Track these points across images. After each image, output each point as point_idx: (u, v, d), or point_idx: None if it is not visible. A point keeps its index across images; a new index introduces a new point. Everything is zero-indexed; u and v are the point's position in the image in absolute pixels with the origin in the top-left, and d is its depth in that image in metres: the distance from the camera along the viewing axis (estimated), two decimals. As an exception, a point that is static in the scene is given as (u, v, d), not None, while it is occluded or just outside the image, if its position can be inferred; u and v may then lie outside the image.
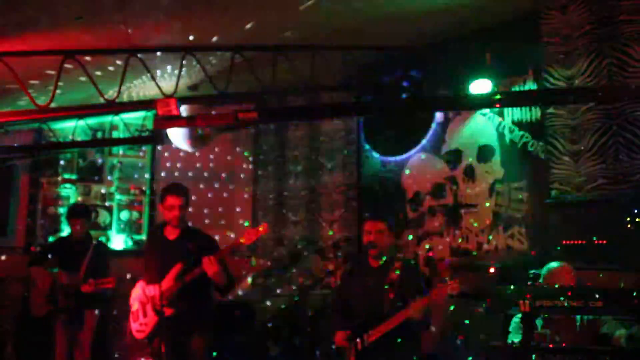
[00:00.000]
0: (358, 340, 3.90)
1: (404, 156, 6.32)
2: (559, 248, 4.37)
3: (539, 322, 3.67)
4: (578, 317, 3.61)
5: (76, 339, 5.42)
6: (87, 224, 5.66)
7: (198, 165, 8.19)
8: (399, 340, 3.93)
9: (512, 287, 2.81)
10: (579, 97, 4.10)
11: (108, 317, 7.09)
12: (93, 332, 5.51)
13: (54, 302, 5.28)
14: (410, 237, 6.08)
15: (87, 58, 4.62)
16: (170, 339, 4.14)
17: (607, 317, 3.56)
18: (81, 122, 6.99)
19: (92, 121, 7.40)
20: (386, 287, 3.99)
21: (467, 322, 4.61)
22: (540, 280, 3.77)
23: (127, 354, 7.14)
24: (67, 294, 5.24)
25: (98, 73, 4.91)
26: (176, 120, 4.00)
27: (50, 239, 7.36)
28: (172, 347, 4.16)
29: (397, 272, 4.03)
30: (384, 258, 4.14)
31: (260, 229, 4.24)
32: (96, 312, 5.55)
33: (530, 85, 5.12)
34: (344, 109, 4.62)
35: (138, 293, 4.38)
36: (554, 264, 3.78)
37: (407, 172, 6.29)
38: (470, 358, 4.42)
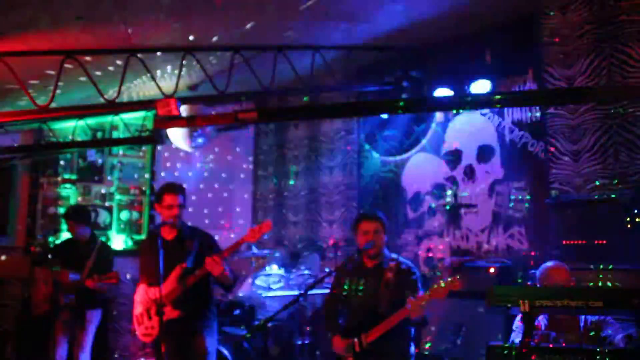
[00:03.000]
0: (356, 340, 3.90)
1: (404, 156, 6.32)
2: (558, 248, 4.36)
3: (542, 323, 3.67)
4: (581, 318, 3.62)
5: (77, 339, 5.43)
6: (87, 225, 5.64)
7: (198, 165, 8.20)
8: (398, 339, 3.93)
9: (512, 287, 2.81)
10: (579, 97, 4.09)
11: (108, 317, 7.11)
12: (94, 332, 5.52)
13: (55, 301, 5.28)
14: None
15: (87, 58, 4.61)
16: (173, 340, 4.14)
17: (609, 320, 3.56)
18: (81, 122, 6.99)
19: (92, 121, 7.40)
20: (382, 286, 3.99)
21: (467, 322, 4.61)
22: (537, 281, 3.77)
23: (127, 354, 7.16)
24: (69, 292, 5.26)
25: (98, 73, 4.91)
26: (176, 120, 3.99)
27: (51, 239, 7.36)
28: (175, 347, 4.16)
29: (392, 272, 4.02)
30: (379, 258, 4.13)
31: (264, 226, 4.24)
32: (98, 312, 5.55)
33: (530, 85, 5.12)
34: (344, 109, 4.61)
35: (141, 295, 4.36)
36: (548, 264, 3.78)
37: (407, 172, 6.29)
38: (470, 358, 4.42)
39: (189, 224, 4.52)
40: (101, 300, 5.59)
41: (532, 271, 4.40)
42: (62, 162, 7.67)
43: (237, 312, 6.03)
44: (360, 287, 4.10)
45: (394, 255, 4.19)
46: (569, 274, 3.72)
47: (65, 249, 5.58)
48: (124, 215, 7.87)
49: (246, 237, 4.23)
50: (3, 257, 6.80)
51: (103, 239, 7.66)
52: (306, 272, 6.58)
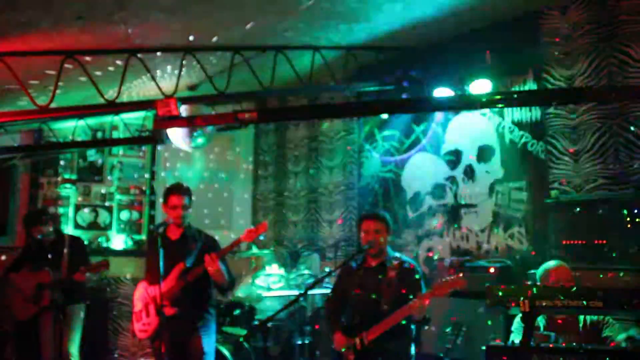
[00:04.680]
0: (357, 339, 3.90)
1: (404, 156, 6.32)
2: (558, 248, 4.36)
3: (541, 324, 3.67)
4: (581, 319, 3.62)
5: (65, 336, 5.39)
6: (51, 224, 5.61)
7: (198, 165, 8.19)
8: (399, 338, 3.93)
9: (512, 287, 2.80)
10: (579, 97, 4.10)
11: (108, 316, 7.11)
12: (81, 327, 5.50)
13: (40, 301, 5.27)
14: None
15: (87, 58, 4.61)
16: (172, 339, 4.15)
17: (610, 320, 3.56)
18: (81, 122, 6.99)
19: (92, 121, 7.40)
20: (385, 285, 3.99)
21: (467, 322, 4.60)
22: (537, 280, 3.77)
23: (127, 353, 7.16)
24: (53, 290, 5.24)
25: (98, 73, 4.91)
26: (176, 120, 4.00)
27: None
28: (173, 346, 4.17)
29: (395, 271, 4.03)
30: (381, 257, 4.14)
31: (260, 227, 4.28)
32: (79, 306, 5.53)
33: (530, 85, 5.12)
34: (344, 109, 4.61)
35: (141, 293, 4.40)
36: (550, 263, 3.78)
37: (407, 172, 6.29)
38: (470, 358, 4.42)
39: (191, 224, 4.55)
40: (81, 295, 5.57)
41: (532, 271, 4.40)
42: (62, 162, 7.67)
43: (237, 312, 6.03)
44: (363, 286, 4.11)
45: (397, 254, 4.20)
46: (570, 273, 3.71)
47: (35, 251, 5.49)
48: (124, 215, 7.87)
49: (243, 238, 4.29)
50: (3, 257, 6.79)
51: (103, 238, 7.69)
52: (306, 272, 6.57)
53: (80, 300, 5.53)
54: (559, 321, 3.63)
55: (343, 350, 3.97)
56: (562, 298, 2.64)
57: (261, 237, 4.46)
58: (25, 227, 5.65)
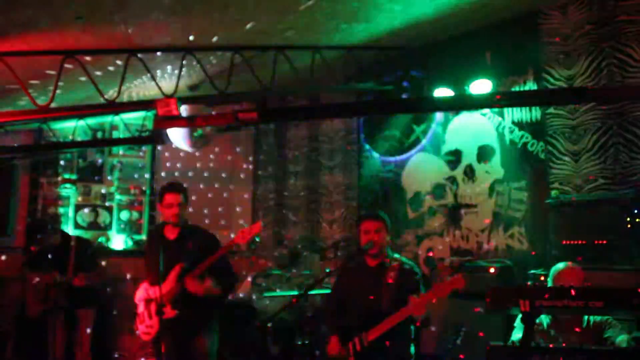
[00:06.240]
0: (357, 339, 3.89)
1: (404, 156, 6.32)
2: (558, 248, 4.36)
3: (544, 322, 3.66)
4: (585, 319, 3.61)
5: (74, 339, 5.42)
6: (49, 234, 5.63)
7: (198, 165, 8.19)
8: (399, 339, 3.93)
9: (512, 287, 2.81)
10: (579, 97, 4.10)
11: (108, 316, 7.09)
12: (91, 332, 5.51)
13: (47, 301, 5.29)
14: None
15: (87, 58, 4.61)
16: (174, 340, 4.14)
17: (612, 321, 3.56)
18: (81, 122, 6.98)
19: (92, 121, 7.40)
20: (384, 286, 3.99)
21: (467, 322, 4.61)
22: (549, 282, 3.75)
23: (127, 353, 7.15)
24: (60, 291, 5.26)
25: (98, 73, 4.91)
26: (176, 120, 4.00)
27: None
28: (175, 348, 4.16)
29: (394, 272, 4.03)
30: (381, 257, 4.13)
31: (254, 227, 4.24)
32: (90, 311, 5.54)
33: (530, 85, 5.12)
34: (344, 109, 4.61)
35: (142, 295, 4.37)
36: (561, 265, 3.76)
37: (407, 172, 6.29)
38: (471, 358, 4.42)
39: (189, 222, 4.53)
40: (93, 299, 5.59)
41: (532, 271, 4.40)
42: (62, 162, 7.67)
43: (237, 312, 6.03)
44: (362, 287, 4.10)
45: (396, 255, 4.19)
46: (582, 274, 3.68)
47: (44, 255, 5.52)
48: (124, 215, 7.87)
49: (236, 239, 4.24)
50: (3, 257, 6.79)
51: (103, 239, 7.68)
52: (306, 272, 6.57)
53: (91, 305, 5.55)
54: (561, 321, 3.62)
55: (337, 353, 3.95)
56: (562, 298, 2.64)
57: (256, 238, 4.42)
58: (28, 236, 5.69)
